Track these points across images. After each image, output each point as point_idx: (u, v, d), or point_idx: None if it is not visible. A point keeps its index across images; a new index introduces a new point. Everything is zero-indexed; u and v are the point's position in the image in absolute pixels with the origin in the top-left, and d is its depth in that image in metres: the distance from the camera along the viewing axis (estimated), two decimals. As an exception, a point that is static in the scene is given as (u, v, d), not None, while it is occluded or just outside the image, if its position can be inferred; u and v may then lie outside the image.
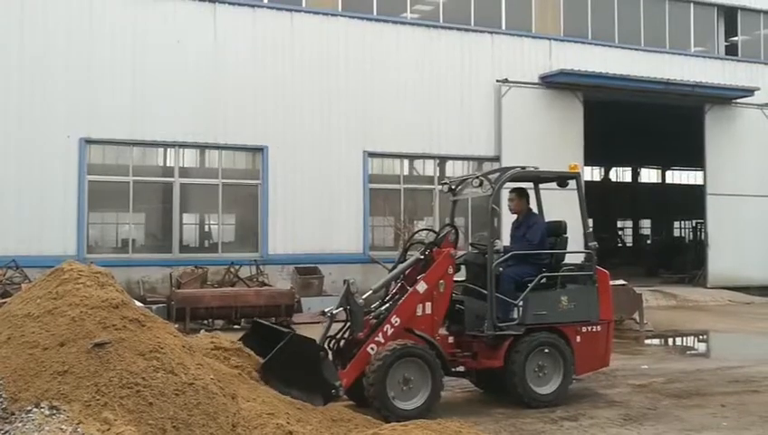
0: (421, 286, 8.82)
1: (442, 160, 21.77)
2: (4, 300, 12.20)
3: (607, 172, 46.53)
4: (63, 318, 5.94)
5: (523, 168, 10.86)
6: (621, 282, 17.71)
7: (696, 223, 36.95)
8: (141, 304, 7.34)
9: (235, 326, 16.27)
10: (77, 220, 17.63)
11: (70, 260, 6.83)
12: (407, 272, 9.14)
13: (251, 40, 19.51)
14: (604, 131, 26.67)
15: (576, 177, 10.04)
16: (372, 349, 8.34)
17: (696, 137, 25.45)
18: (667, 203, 45.24)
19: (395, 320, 8.58)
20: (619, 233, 47.99)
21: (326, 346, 8.48)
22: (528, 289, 9.16)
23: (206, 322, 16.29)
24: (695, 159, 27.65)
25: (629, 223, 49.77)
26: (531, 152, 21.19)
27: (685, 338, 17.28)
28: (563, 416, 8.60)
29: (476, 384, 9.88)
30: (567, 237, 10.00)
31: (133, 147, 18.65)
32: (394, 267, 9.35)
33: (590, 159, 25.27)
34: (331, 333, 8.63)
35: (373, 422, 6.94)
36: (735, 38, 27.17)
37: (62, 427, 5.09)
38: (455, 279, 9.37)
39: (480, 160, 21.97)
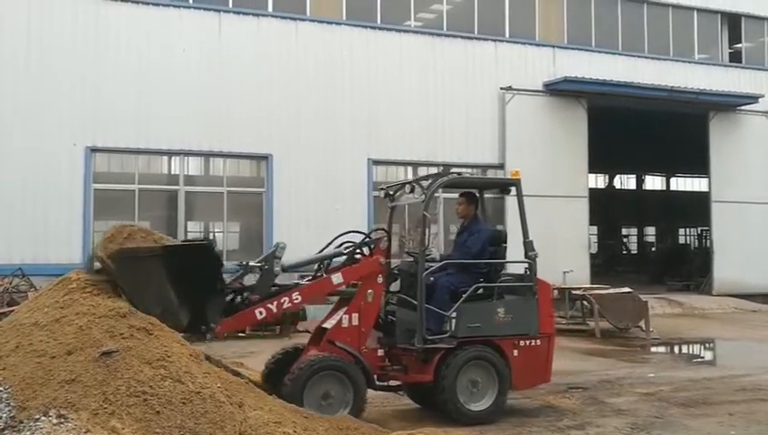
0: (336, 278, 8.51)
1: (446, 168, 21.69)
2: (10, 308, 12.26)
3: (611, 179, 46.50)
4: (71, 327, 5.99)
5: (459, 174, 10.63)
6: (627, 289, 17.76)
7: (702, 230, 36.91)
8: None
9: (240, 334, 16.23)
10: (83, 228, 17.63)
11: (77, 269, 6.86)
12: (329, 268, 8.81)
13: (256, 48, 19.53)
14: (608, 139, 26.66)
15: (516, 184, 9.43)
16: (261, 313, 8.04)
17: (700, 144, 25.40)
18: (672, 210, 45.20)
19: (296, 297, 8.25)
20: (624, 240, 47.96)
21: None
22: (461, 300, 8.71)
23: (211, 330, 16.25)
24: (699, 166, 27.62)
25: (634, 230, 49.74)
26: (535, 160, 21.32)
27: (691, 346, 17.23)
28: (570, 425, 8.58)
29: (412, 399, 9.48)
30: (506, 247, 9.61)
31: (138, 155, 18.67)
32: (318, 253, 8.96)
33: (594, 167, 25.26)
34: (243, 283, 8.33)
35: (380, 431, 6.94)
36: (739, 45, 27.12)
37: (70, 435, 5.11)
38: (391, 290, 9.16)
39: (484, 168, 21.96)
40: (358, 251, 8.84)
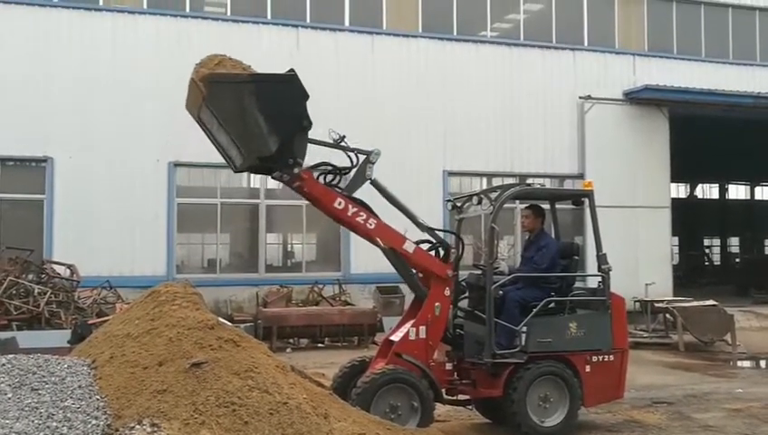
0: (409, 244, 8.39)
1: (523, 179, 21.56)
2: (101, 319, 12.62)
3: (693, 189, 45.52)
4: (161, 338, 6.12)
5: (528, 184, 10.41)
6: (712, 302, 17.34)
7: (788, 241, 35.87)
8: (230, 324, 7.41)
9: (319, 345, 16.45)
10: (167, 241, 18.06)
11: (167, 282, 7.03)
12: None
13: (333, 62, 19.76)
14: (690, 147, 26.13)
15: (589, 195, 9.25)
16: (339, 204, 8.16)
17: (787, 151, 24.74)
18: (757, 220, 44.00)
19: (371, 223, 8.26)
20: (707, 251, 46.84)
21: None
22: (531, 314, 8.53)
23: (291, 340, 16.51)
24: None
25: (717, 241, 48.55)
26: (615, 170, 21.01)
27: (780, 361, 16.73)
28: (657, 440, 8.44)
29: (482, 413, 9.29)
30: (578, 259, 9.43)
31: (220, 169, 18.97)
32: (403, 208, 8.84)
33: (676, 176, 24.77)
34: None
35: (464, 444, 6.93)
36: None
37: (163, 444, 5.23)
38: (459, 305, 9.00)
39: (562, 178, 21.77)
40: (435, 243, 8.71)
